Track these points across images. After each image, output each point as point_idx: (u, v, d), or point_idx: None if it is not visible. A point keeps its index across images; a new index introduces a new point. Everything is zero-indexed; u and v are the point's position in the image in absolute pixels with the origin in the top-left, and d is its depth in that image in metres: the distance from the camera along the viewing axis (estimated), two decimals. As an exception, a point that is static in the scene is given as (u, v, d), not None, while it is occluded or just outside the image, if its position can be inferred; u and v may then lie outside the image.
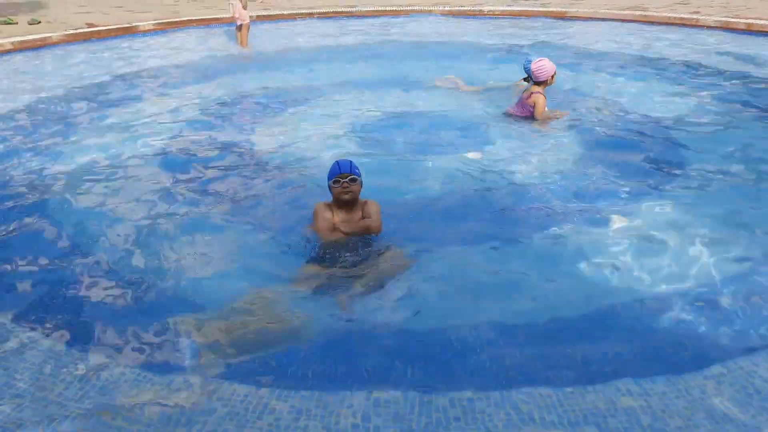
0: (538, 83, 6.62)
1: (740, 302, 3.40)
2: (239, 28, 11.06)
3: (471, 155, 5.87)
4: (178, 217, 4.64)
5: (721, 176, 5.19)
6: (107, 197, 5.03)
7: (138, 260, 4.01)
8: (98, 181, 5.37)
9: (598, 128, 6.54)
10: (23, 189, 5.20)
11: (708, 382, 2.75)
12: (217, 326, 3.30)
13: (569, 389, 2.71)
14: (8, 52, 10.68)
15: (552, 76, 6.61)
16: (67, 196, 5.05)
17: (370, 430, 2.54)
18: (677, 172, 5.33)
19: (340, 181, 3.81)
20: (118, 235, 4.35)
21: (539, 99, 6.50)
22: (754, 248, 3.98)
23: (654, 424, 2.50)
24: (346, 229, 3.89)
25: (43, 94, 8.24)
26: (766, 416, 2.55)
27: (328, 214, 3.91)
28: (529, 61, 7.48)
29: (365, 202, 4.01)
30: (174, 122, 7.09)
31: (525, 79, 7.49)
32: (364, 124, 6.96)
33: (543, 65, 6.55)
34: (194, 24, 13.50)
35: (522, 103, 6.64)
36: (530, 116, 6.56)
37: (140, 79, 9.22)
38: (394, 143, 6.28)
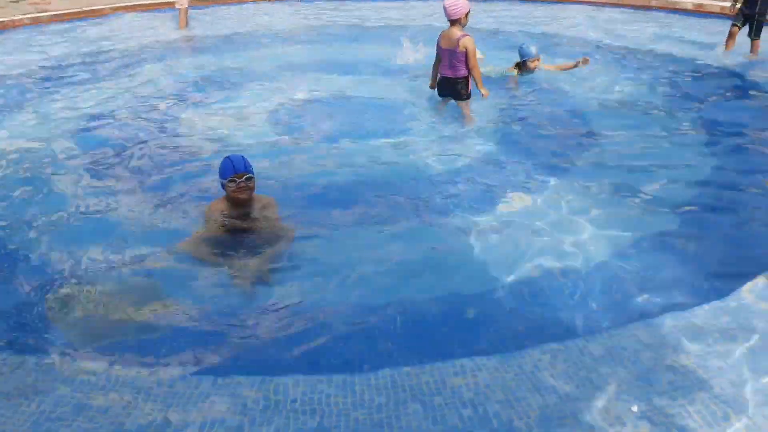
0: (453, 22, 5.96)
1: (595, 284, 3.51)
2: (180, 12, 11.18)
3: (389, 141, 5.91)
4: (78, 196, 4.74)
5: (632, 164, 5.22)
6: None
7: (29, 240, 4.09)
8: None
9: (525, 114, 6.55)
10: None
11: (543, 357, 2.86)
12: (95, 308, 3.36)
13: (406, 369, 2.80)
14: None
15: (466, 15, 5.98)
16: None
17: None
18: (590, 158, 5.41)
19: (236, 180, 3.73)
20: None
21: (469, 42, 5.91)
22: (629, 233, 4.06)
23: (475, 398, 2.61)
24: (240, 225, 3.86)
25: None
26: (591, 389, 2.66)
27: (219, 215, 3.88)
28: (527, 46, 7.37)
29: (261, 200, 3.98)
30: (99, 105, 7.10)
31: (517, 65, 7.44)
32: (291, 108, 6.99)
33: (456, 1, 5.89)
34: (143, 9, 13.39)
35: (452, 52, 6.01)
36: (462, 68, 6.09)
37: (75, 64, 9.13)
38: (315, 128, 6.31)
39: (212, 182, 4.76)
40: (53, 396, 2.67)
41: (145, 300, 3.38)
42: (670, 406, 2.54)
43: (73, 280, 3.57)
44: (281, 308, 3.40)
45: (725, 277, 3.47)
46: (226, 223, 3.87)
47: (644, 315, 3.18)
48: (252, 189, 3.85)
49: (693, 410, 2.52)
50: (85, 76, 8.47)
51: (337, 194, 4.84)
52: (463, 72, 6.18)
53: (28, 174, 5.15)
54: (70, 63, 9.22)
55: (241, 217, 3.90)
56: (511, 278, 3.61)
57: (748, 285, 3.31)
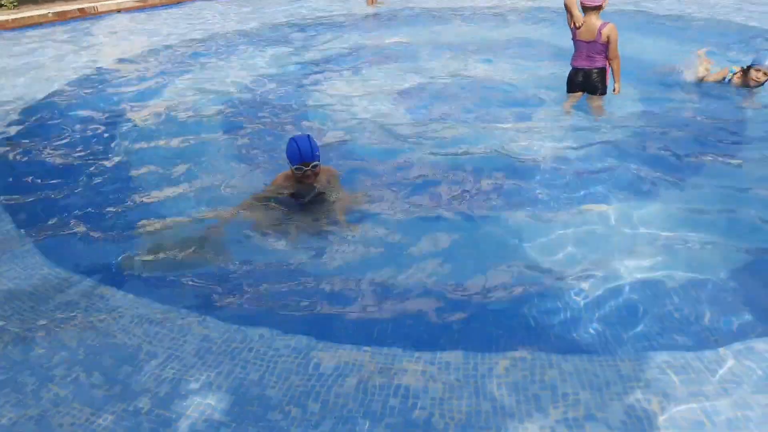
0: (593, 8, 5.56)
1: (617, 304, 3.27)
2: None
3: (502, 127, 5.82)
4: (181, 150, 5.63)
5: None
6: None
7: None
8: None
9: (677, 122, 5.84)
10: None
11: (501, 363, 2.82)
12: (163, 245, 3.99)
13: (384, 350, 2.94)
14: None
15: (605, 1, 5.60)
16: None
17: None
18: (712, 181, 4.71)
19: (303, 168, 3.93)
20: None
21: (612, 31, 5.55)
22: (690, 263, 3.62)
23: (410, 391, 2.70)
24: (304, 200, 4.13)
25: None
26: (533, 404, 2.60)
27: (284, 186, 4.16)
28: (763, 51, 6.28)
29: (325, 171, 4.20)
30: (256, 70, 8.10)
31: (742, 70, 6.27)
32: (426, 88, 7.19)
33: None
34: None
35: (592, 44, 5.69)
36: (600, 59, 5.77)
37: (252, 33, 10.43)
38: (436, 109, 6.43)
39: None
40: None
41: (201, 249, 3.92)
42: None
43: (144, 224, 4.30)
44: (332, 271, 3.66)
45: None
46: (291, 193, 4.15)
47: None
48: (318, 174, 4.05)
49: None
50: (261, 44, 9.64)
51: (428, 173, 4.93)
52: (600, 63, 5.83)
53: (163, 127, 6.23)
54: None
55: (306, 188, 4.13)
56: (547, 282, 3.51)
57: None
